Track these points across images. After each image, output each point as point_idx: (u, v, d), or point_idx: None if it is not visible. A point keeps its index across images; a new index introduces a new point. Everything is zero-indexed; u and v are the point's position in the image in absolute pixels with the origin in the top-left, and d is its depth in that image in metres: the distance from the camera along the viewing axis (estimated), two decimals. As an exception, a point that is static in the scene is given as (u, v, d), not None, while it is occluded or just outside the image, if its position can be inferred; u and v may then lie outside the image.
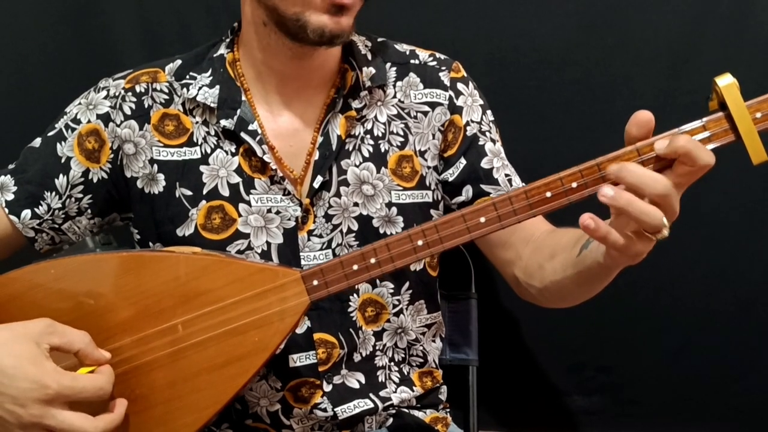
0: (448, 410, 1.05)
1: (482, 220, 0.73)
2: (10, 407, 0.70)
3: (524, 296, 0.97)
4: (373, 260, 0.76)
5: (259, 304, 0.79)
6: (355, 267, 0.77)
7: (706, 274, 1.26)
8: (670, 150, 0.66)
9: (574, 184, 0.70)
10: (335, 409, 0.94)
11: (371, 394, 0.96)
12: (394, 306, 0.97)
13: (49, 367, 0.71)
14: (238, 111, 0.91)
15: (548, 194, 0.71)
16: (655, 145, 0.67)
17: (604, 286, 0.81)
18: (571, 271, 0.82)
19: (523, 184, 0.98)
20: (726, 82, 0.67)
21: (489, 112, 1.00)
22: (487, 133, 0.98)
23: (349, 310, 0.95)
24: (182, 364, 0.79)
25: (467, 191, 0.96)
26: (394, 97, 0.96)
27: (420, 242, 0.75)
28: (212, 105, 0.91)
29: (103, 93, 0.94)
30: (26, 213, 0.92)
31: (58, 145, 0.93)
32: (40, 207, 0.92)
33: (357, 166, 0.94)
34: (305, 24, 0.83)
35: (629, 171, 0.66)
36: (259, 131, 0.92)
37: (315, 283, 0.78)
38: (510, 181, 0.97)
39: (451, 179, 0.97)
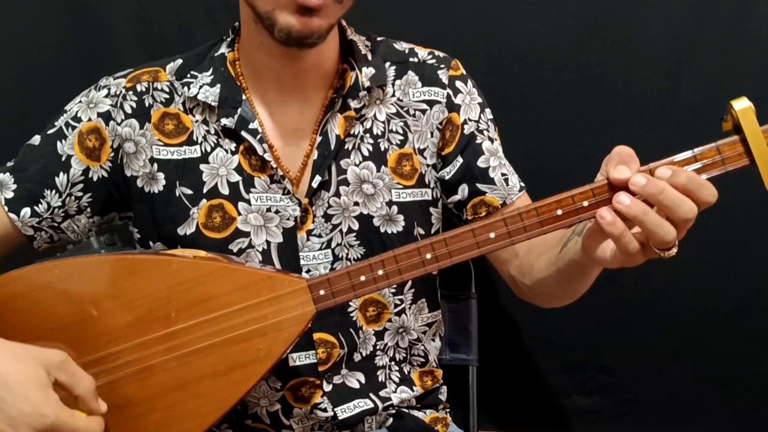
0: (448, 410, 1.05)
1: (492, 235, 0.73)
2: (3, 426, 0.69)
3: (520, 295, 0.97)
4: (380, 272, 0.76)
5: (265, 311, 0.79)
6: (363, 278, 0.77)
7: (706, 274, 1.26)
8: (643, 192, 0.66)
9: (585, 203, 0.70)
10: (335, 409, 0.94)
11: (371, 394, 0.96)
12: (396, 305, 0.97)
13: (52, 398, 0.71)
14: (239, 110, 0.91)
15: (559, 212, 0.71)
16: (632, 179, 0.66)
17: (587, 285, 0.81)
18: (552, 269, 0.82)
19: (522, 183, 0.98)
20: (742, 105, 0.67)
21: (488, 110, 0.99)
22: (485, 132, 0.98)
23: (349, 310, 0.95)
24: (185, 369, 0.79)
25: (463, 190, 0.96)
26: (393, 95, 0.96)
27: (428, 255, 0.75)
28: (213, 103, 0.91)
29: (104, 92, 0.94)
30: (26, 211, 0.92)
31: (59, 143, 0.93)
32: (39, 205, 0.92)
33: (357, 166, 0.94)
34: (274, 23, 0.83)
35: (660, 189, 0.64)
36: (260, 130, 0.92)
37: (322, 292, 0.78)
38: (506, 180, 0.97)
39: (447, 177, 0.97)
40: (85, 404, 0.76)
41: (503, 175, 0.97)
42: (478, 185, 0.96)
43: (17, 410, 0.69)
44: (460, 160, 0.96)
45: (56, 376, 0.73)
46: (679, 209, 0.65)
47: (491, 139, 0.98)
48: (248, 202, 0.92)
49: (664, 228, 0.65)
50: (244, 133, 0.91)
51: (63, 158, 0.92)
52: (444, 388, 1.06)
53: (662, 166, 0.67)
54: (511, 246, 0.93)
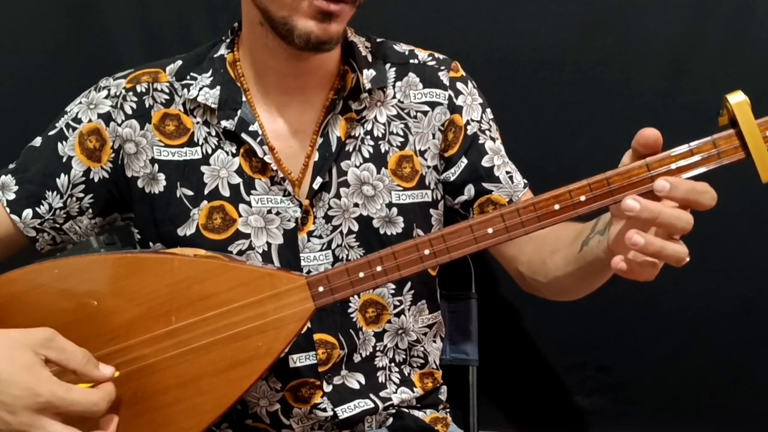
0: (448, 410, 1.06)
1: (490, 231, 0.73)
2: (1, 413, 0.69)
3: (529, 290, 0.97)
4: (379, 268, 0.76)
5: (264, 309, 0.78)
6: (361, 274, 0.77)
7: (706, 274, 1.25)
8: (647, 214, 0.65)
9: (583, 198, 0.70)
10: (335, 409, 0.94)
11: (371, 395, 0.96)
12: (395, 306, 0.97)
13: (43, 376, 0.70)
14: (239, 112, 0.91)
15: (556, 207, 0.71)
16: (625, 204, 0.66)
17: (607, 278, 0.82)
18: (573, 267, 0.82)
19: (525, 180, 0.99)
20: (737, 99, 0.66)
21: (488, 110, 1.00)
22: (487, 132, 0.98)
23: (349, 311, 0.95)
24: (185, 367, 0.79)
25: (469, 190, 0.97)
26: (394, 97, 0.96)
27: (427, 251, 0.75)
28: (213, 105, 0.91)
29: (104, 92, 0.94)
30: (28, 212, 0.92)
31: (59, 144, 0.93)
32: (41, 206, 0.92)
33: (357, 167, 0.94)
34: (292, 29, 0.83)
35: (656, 214, 0.64)
36: (260, 132, 0.92)
37: (320, 289, 0.78)
38: (511, 178, 0.97)
39: (452, 179, 0.97)
40: (85, 375, 0.74)
41: (507, 173, 0.97)
42: (484, 184, 0.96)
43: (10, 396, 0.69)
44: (464, 160, 0.96)
45: (45, 354, 0.72)
46: (677, 225, 0.65)
47: (493, 139, 0.98)
48: (249, 203, 0.92)
49: (682, 216, 0.65)
50: (244, 136, 0.91)
51: (64, 159, 0.92)
52: (444, 388, 1.06)
53: (660, 177, 0.66)
54: (515, 243, 0.95)
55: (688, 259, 0.67)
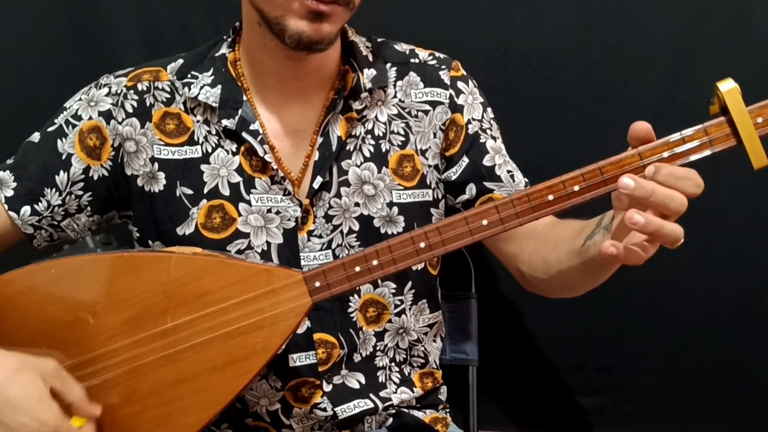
0: (447, 410, 1.06)
1: (484, 222, 0.73)
2: None
3: (530, 288, 0.97)
4: (375, 262, 0.76)
5: (261, 305, 0.79)
6: (357, 268, 0.77)
7: (706, 274, 1.26)
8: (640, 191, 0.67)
9: (576, 188, 0.71)
10: (335, 409, 0.94)
11: (371, 394, 0.96)
12: (396, 306, 0.97)
13: (54, 409, 0.73)
14: (240, 111, 0.91)
15: (550, 197, 0.71)
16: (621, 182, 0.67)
17: (610, 274, 0.82)
18: (575, 261, 0.82)
19: (526, 179, 0.99)
20: (728, 87, 0.67)
21: (489, 109, 1.00)
22: (488, 131, 0.98)
23: (349, 310, 0.95)
24: (183, 365, 0.79)
25: (470, 189, 0.96)
26: (395, 96, 0.96)
27: (422, 244, 0.75)
28: (213, 104, 0.91)
29: (105, 90, 0.94)
30: (26, 209, 0.91)
31: (59, 141, 0.93)
32: (39, 203, 0.92)
33: (358, 167, 0.94)
34: (284, 29, 0.83)
35: (650, 192, 0.66)
36: (261, 131, 0.92)
37: (317, 284, 0.78)
38: (512, 177, 0.97)
39: (453, 178, 0.97)
40: (80, 410, 0.77)
41: (509, 171, 0.97)
42: (486, 183, 0.96)
43: (15, 423, 0.70)
44: (465, 159, 0.96)
45: (52, 384, 0.74)
46: (670, 205, 0.66)
47: (494, 138, 0.98)
48: (249, 203, 0.92)
49: (675, 196, 0.66)
50: (245, 134, 0.91)
51: (63, 156, 0.92)
52: (444, 388, 1.06)
53: (650, 163, 0.68)
54: (515, 241, 0.95)
55: (682, 240, 0.67)
